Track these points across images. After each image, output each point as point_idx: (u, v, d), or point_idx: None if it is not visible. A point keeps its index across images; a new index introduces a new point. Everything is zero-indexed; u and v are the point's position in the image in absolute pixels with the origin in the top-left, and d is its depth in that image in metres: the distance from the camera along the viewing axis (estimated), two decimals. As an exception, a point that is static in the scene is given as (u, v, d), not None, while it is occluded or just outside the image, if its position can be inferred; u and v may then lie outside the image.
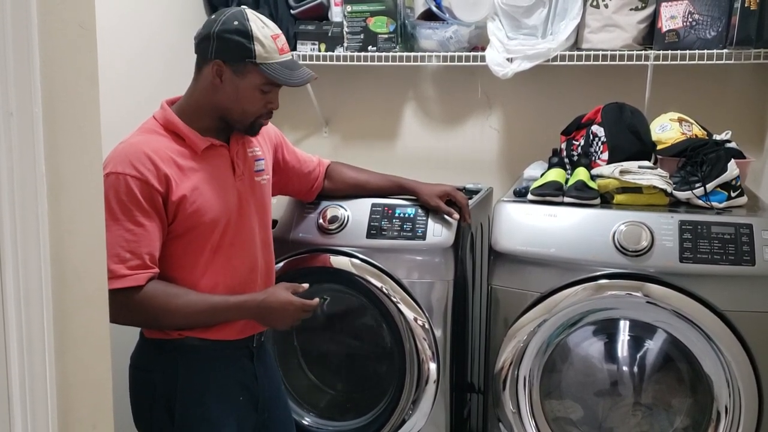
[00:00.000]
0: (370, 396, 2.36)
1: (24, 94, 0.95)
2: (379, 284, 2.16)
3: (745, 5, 2.25)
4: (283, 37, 1.74)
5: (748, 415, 1.93)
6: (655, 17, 2.47)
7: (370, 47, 2.71)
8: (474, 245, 2.46)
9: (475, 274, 2.50)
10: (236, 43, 1.66)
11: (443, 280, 2.18)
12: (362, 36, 2.71)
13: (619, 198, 2.10)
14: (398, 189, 2.22)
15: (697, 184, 2.06)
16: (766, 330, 1.91)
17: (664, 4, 2.43)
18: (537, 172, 2.37)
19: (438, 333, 2.19)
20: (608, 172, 2.10)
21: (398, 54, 2.70)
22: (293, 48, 2.79)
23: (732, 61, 2.37)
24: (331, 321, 2.51)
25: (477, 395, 2.60)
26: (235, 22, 1.67)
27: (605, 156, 2.21)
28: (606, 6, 2.49)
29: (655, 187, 2.07)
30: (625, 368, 2.20)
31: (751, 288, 1.91)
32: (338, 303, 2.45)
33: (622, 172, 2.08)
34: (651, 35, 2.50)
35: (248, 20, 1.67)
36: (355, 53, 2.73)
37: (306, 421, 2.36)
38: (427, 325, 2.17)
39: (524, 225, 2.09)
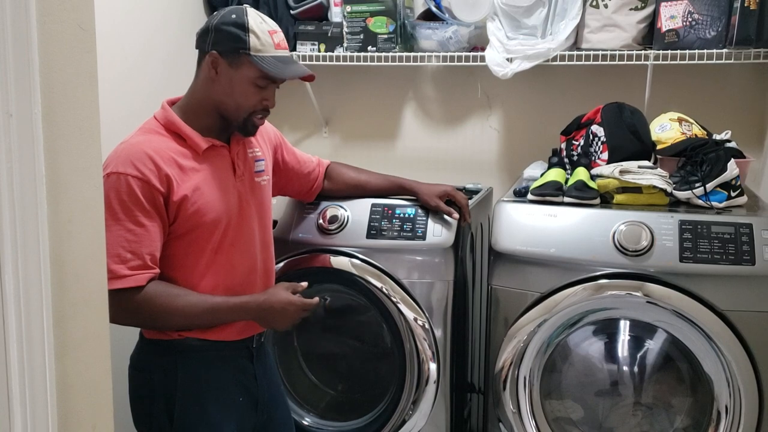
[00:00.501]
0: (370, 396, 2.36)
1: (23, 95, 0.95)
2: (379, 284, 2.17)
3: (745, 5, 2.25)
4: (281, 34, 1.74)
5: (748, 415, 1.93)
6: (654, 17, 2.47)
7: (369, 47, 2.71)
8: (474, 245, 2.46)
9: (475, 274, 2.50)
10: (232, 35, 1.67)
11: (443, 280, 2.18)
12: (362, 36, 2.71)
13: (619, 198, 2.10)
14: (398, 189, 2.22)
15: (697, 184, 2.06)
16: (766, 330, 1.91)
17: (663, 3, 2.43)
18: (537, 172, 2.38)
19: (438, 333, 2.19)
20: (608, 171, 2.10)
21: (398, 54, 2.70)
22: (293, 48, 2.79)
23: (732, 61, 2.37)
24: (331, 321, 2.51)
25: (477, 395, 2.60)
26: (233, 16, 1.69)
27: (605, 156, 2.21)
28: (605, 6, 2.49)
29: (655, 187, 2.07)
30: (625, 368, 2.19)
31: (751, 287, 1.91)
32: (338, 303, 2.45)
33: (621, 172, 2.08)
34: (651, 35, 2.50)
35: (247, 15, 1.69)
36: (355, 53, 2.73)
37: (306, 421, 2.36)
38: (427, 326, 2.17)
39: (524, 225, 2.09)
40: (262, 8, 2.71)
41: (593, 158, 2.26)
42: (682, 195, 2.08)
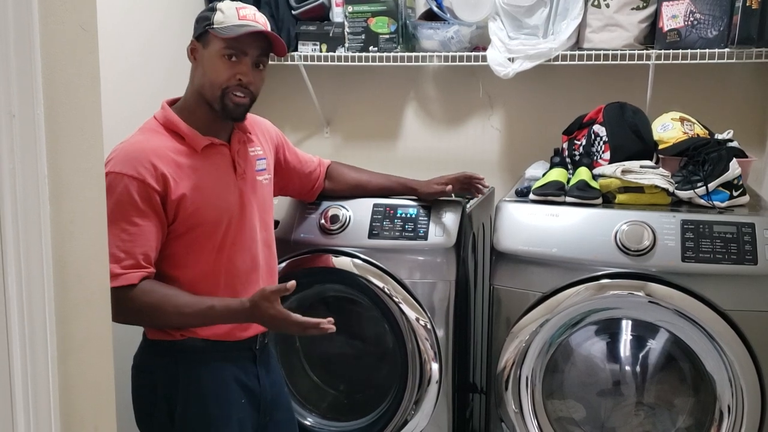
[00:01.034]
0: (372, 396, 2.36)
1: (26, 96, 0.95)
2: (380, 284, 2.16)
3: (747, 4, 2.24)
4: (250, 9, 1.74)
5: (750, 415, 1.93)
6: (656, 16, 2.47)
7: (371, 47, 2.71)
8: (476, 245, 2.46)
9: (477, 274, 2.50)
10: (202, 18, 1.73)
11: (445, 281, 2.18)
12: (363, 36, 2.71)
13: (621, 197, 2.10)
14: (399, 188, 2.22)
15: (699, 184, 2.06)
16: (768, 329, 1.91)
17: (665, 3, 2.42)
18: (539, 172, 2.37)
19: (440, 333, 2.19)
20: (610, 171, 2.10)
21: (399, 54, 2.70)
22: (294, 49, 2.79)
23: (734, 61, 2.37)
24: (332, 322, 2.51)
25: (479, 395, 2.60)
26: (210, 5, 1.74)
27: (607, 155, 2.21)
28: (607, 5, 2.48)
29: (657, 187, 2.06)
30: (627, 368, 2.19)
31: (753, 287, 1.91)
32: (340, 303, 2.44)
33: (623, 172, 2.07)
34: (652, 35, 2.49)
35: (223, 1, 1.73)
36: (357, 53, 2.72)
37: (308, 421, 2.36)
38: (429, 326, 2.17)
39: (526, 225, 2.09)
40: (264, 8, 2.71)
41: (595, 158, 2.26)
42: (684, 195, 2.08)
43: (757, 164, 2.47)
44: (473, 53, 2.66)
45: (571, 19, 2.50)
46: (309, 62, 2.79)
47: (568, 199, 2.10)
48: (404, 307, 2.16)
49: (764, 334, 1.91)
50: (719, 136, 2.23)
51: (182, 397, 1.72)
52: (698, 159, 2.11)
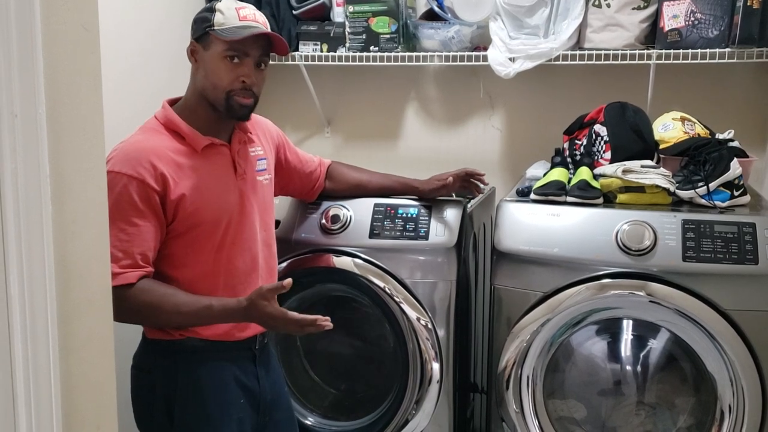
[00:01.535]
0: (373, 396, 2.36)
1: (28, 96, 0.95)
2: (381, 284, 2.17)
3: (748, 4, 2.24)
4: (250, 9, 1.73)
5: (751, 414, 1.93)
6: (657, 16, 2.47)
7: (372, 47, 2.71)
8: (477, 245, 2.46)
9: (478, 273, 2.50)
10: (201, 19, 1.72)
11: (446, 280, 2.18)
12: (364, 36, 2.71)
13: (621, 197, 2.10)
14: (400, 188, 2.22)
15: (700, 183, 2.06)
16: (769, 329, 1.91)
17: (666, 3, 2.42)
18: (540, 172, 2.38)
19: (441, 333, 2.19)
20: (611, 171, 2.10)
21: (400, 54, 2.70)
22: (295, 48, 2.79)
23: (734, 60, 2.37)
24: (333, 321, 2.51)
25: (480, 395, 2.60)
26: (207, 5, 1.73)
27: (608, 155, 2.21)
28: (608, 5, 2.48)
29: (657, 187, 2.06)
30: (628, 367, 2.19)
31: (754, 287, 1.91)
32: (341, 303, 2.44)
33: (624, 172, 2.07)
34: (653, 34, 2.49)
35: (222, 1, 1.72)
36: (357, 53, 2.73)
37: (309, 421, 2.36)
38: (430, 325, 2.17)
39: (527, 224, 2.09)
40: (264, 8, 2.71)
41: (596, 158, 2.26)
42: (685, 194, 2.08)
43: (758, 164, 2.47)
44: (474, 53, 2.67)
45: (572, 18, 2.51)
46: (310, 62, 2.79)
47: (569, 198, 2.10)
48: (405, 306, 2.16)
49: (765, 333, 1.91)
50: (720, 136, 2.23)
51: (181, 397, 1.72)
52: (699, 159, 2.11)
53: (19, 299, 0.96)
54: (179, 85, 1.81)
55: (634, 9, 2.47)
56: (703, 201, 2.06)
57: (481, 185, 2.21)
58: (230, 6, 1.71)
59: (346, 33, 2.74)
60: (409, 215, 2.19)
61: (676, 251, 1.94)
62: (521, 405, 2.11)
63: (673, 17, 2.42)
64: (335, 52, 2.77)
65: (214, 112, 1.73)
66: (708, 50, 2.37)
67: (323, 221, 2.22)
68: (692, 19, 2.39)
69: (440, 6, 2.68)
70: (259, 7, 2.68)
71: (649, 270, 1.96)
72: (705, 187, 2.05)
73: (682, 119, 2.29)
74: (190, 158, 1.71)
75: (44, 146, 0.98)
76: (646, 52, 2.48)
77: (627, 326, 2.16)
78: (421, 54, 2.70)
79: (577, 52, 2.53)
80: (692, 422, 2.11)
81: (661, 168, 2.13)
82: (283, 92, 3.05)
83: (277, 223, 2.20)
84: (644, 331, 2.14)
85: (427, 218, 2.18)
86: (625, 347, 2.20)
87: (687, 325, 1.95)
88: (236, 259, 1.77)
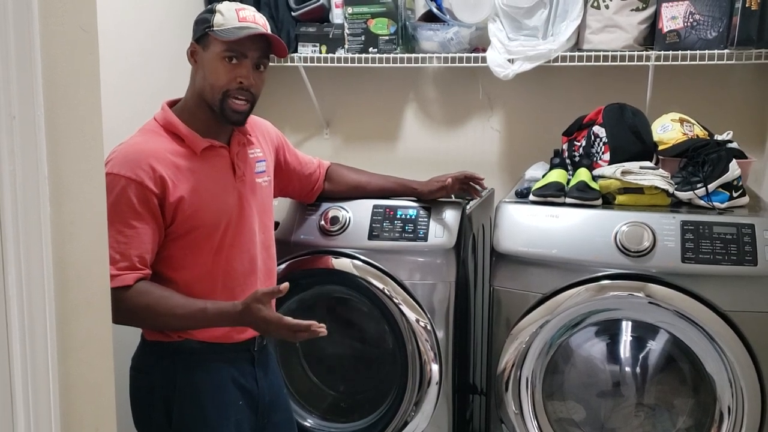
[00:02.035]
0: (372, 397, 2.36)
1: (26, 97, 0.95)
2: (380, 286, 2.16)
3: (746, 5, 2.25)
4: (250, 11, 1.74)
5: (750, 416, 1.93)
6: (655, 18, 2.47)
7: (371, 49, 2.71)
8: (476, 246, 2.46)
9: (477, 275, 2.50)
10: (201, 20, 1.72)
11: (445, 282, 2.18)
12: (363, 38, 2.71)
13: (620, 198, 2.10)
14: (399, 189, 2.22)
15: (699, 185, 2.06)
16: (768, 330, 1.91)
17: (664, 4, 2.42)
18: (538, 173, 2.38)
19: (440, 334, 2.19)
20: (610, 172, 2.10)
21: (399, 55, 2.70)
22: (294, 50, 2.79)
23: (733, 62, 2.37)
24: (332, 323, 2.51)
25: (479, 397, 2.60)
26: (208, 6, 1.74)
27: (607, 157, 2.21)
28: (607, 7, 2.49)
29: (656, 188, 2.07)
30: (627, 369, 2.19)
31: (753, 288, 1.91)
32: (340, 305, 2.44)
33: (623, 173, 2.07)
34: (652, 36, 2.50)
35: (221, 2, 1.73)
36: (356, 55, 2.73)
37: (308, 422, 2.36)
38: (429, 327, 2.17)
39: (526, 226, 2.09)
40: (263, 10, 2.71)
41: (595, 159, 2.26)
42: (683, 196, 2.08)
43: (756, 165, 2.47)
44: (473, 54, 2.67)
45: (571, 20, 2.51)
46: (309, 63, 2.79)
47: (568, 200, 2.10)
48: (404, 308, 2.16)
49: (764, 334, 1.91)
50: (719, 137, 2.23)
51: (179, 399, 1.72)
52: (698, 160, 2.11)
53: (17, 300, 0.96)
54: (179, 86, 1.81)
55: (632, 10, 2.47)
56: (701, 202, 2.06)
57: (480, 189, 2.21)
58: (230, 8, 1.71)
59: (345, 34, 2.74)
60: (408, 217, 2.19)
61: (675, 252, 1.94)
62: (520, 406, 2.11)
63: (672, 18, 2.42)
64: (334, 53, 2.77)
65: (213, 114, 1.73)
66: (707, 51, 2.38)
67: (322, 223, 2.22)
68: (691, 20, 2.40)
69: (439, 7, 2.68)
70: (258, 8, 2.68)
71: (648, 271, 1.96)
72: (704, 188, 2.05)
73: (681, 120, 2.30)
74: (189, 160, 1.71)
75: (42, 148, 0.98)
76: (644, 53, 2.48)
77: (626, 327, 2.16)
78: (420, 55, 2.71)
79: (576, 54, 2.54)
80: (691, 423, 2.10)
81: (660, 169, 2.13)
82: (282, 94, 3.05)
83: (276, 224, 2.20)
84: (643, 332, 2.14)
85: (426, 220, 2.18)
86: (625, 349, 2.20)
87: (686, 326, 1.95)
88: (235, 262, 1.76)
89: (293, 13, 2.79)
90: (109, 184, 1.57)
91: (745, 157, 2.22)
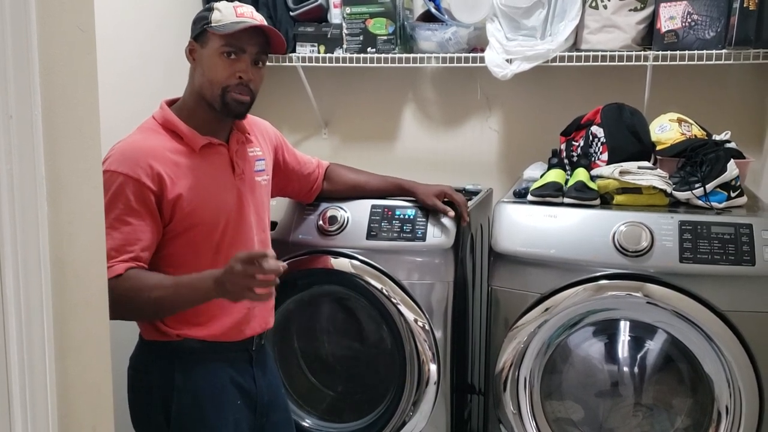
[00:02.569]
0: (370, 397, 2.36)
1: (23, 97, 0.95)
2: (379, 285, 2.16)
3: (744, 5, 2.25)
4: (247, 8, 1.75)
5: (748, 416, 1.93)
6: (653, 18, 2.47)
7: (369, 49, 2.71)
8: (474, 246, 2.46)
9: (475, 275, 2.50)
10: (200, 18, 1.74)
11: (443, 282, 2.18)
12: (361, 38, 2.71)
13: (618, 198, 2.10)
14: (397, 190, 2.22)
15: (697, 185, 2.06)
16: (766, 330, 1.91)
17: (662, 4, 2.43)
18: (537, 173, 2.38)
19: (438, 334, 2.19)
20: (608, 172, 2.10)
21: (397, 55, 2.70)
22: (292, 50, 2.79)
23: (731, 62, 2.37)
24: (331, 322, 2.51)
25: (477, 396, 2.60)
26: (207, 5, 1.75)
27: (605, 156, 2.21)
28: (605, 7, 2.49)
29: (654, 188, 2.07)
30: (625, 369, 2.19)
31: (751, 288, 1.91)
32: (338, 304, 2.44)
33: (621, 173, 2.08)
34: (650, 36, 2.50)
35: (220, 1, 1.74)
36: (355, 55, 2.73)
37: (306, 422, 2.36)
38: (427, 327, 2.17)
39: (524, 226, 2.09)
40: (262, 10, 2.71)
41: (593, 159, 2.26)
42: (681, 195, 2.08)
43: (754, 165, 2.47)
44: (471, 54, 2.67)
45: (569, 20, 2.51)
46: (307, 63, 2.79)
47: (566, 200, 2.10)
48: (402, 308, 2.16)
49: (762, 334, 1.91)
50: (717, 137, 2.24)
51: (177, 398, 1.71)
52: (696, 160, 2.11)
53: (14, 300, 0.96)
54: (177, 86, 1.81)
55: (630, 10, 2.48)
56: (700, 202, 2.06)
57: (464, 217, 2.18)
58: (228, 5, 1.73)
59: (344, 34, 2.74)
60: (407, 217, 2.19)
61: (673, 252, 1.95)
62: (518, 406, 2.11)
63: (670, 18, 2.42)
64: (332, 53, 2.77)
65: (212, 112, 1.73)
66: (705, 51, 2.38)
67: (320, 223, 2.22)
68: (689, 20, 2.40)
69: (437, 7, 2.68)
70: (256, 8, 2.69)
71: (646, 271, 1.96)
72: (702, 188, 2.05)
73: (679, 120, 2.30)
74: (188, 158, 1.71)
75: (40, 147, 0.97)
76: (642, 53, 2.48)
77: (624, 327, 2.16)
78: (419, 55, 2.71)
79: (574, 54, 2.54)
80: (689, 423, 2.11)
81: (658, 169, 2.13)
82: (281, 94, 3.05)
83: (274, 224, 2.20)
84: (641, 332, 2.14)
85: (424, 219, 2.18)
86: (623, 348, 2.20)
87: (684, 326, 1.95)
88: (233, 260, 1.76)
89: (291, 13, 2.79)
90: (106, 181, 1.57)
91: (743, 157, 2.22)
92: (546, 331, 2.06)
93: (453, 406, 2.27)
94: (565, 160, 2.33)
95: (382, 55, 2.70)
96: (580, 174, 2.15)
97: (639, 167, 2.10)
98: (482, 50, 2.64)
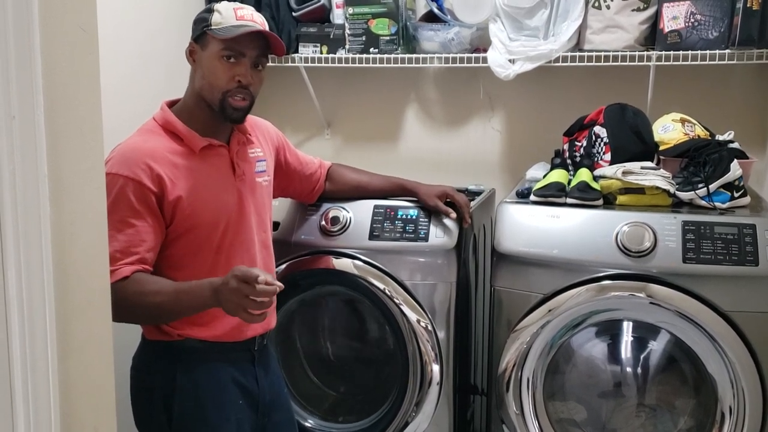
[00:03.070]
0: (373, 398, 2.36)
1: (26, 97, 0.95)
2: (381, 286, 2.16)
3: (747, 5, 2.24)
4: (248, 10, 1.74)
5: (752, 416, 1.92)
6: (656, 18, 2.47)
7: (371, 49, 2.71)
8: (477, 247, 2.46)
9: (477, 275, 2.50)
10: (200, 20, 1.73)
11: (446, 282, 2.18)
12: (364, 38, 2.71)
13: (621, 199, 2.10)
14: (399, 190, 2.22)
15: (700, 185, 2.05)
16: (769, 330, 1.91)
17: (665, 4, 2.42)
18: (539, 173, 2.37)
19: (441, 335, 2.19)
20: (611, 173, 2.10)
21: (400, 56, 2.70)
22: (295, 50, 2.79)
23: (734, 62, 2.37)
24: (333, 323, 2.51)
25: (480, 397, 2.59)
26: (207, 6, 1.75)
27: (608, 157, 2.20)
28: (608, 7, 2.48)
29: (657, 188, 2.06)
30: (628, 369, 2.19)
31: (754, 288, 1.90)
32: (341, 305, 2.44)
33: (624, 173, 2.07)
34: (653, 36, 2.49)
35: (221, 2, 1.73)
36: (357, 55, 2.72)
37: (309, 423, 2.36)
38: (430, 327, 2.17)
39: (527, 226, 2.09)
40: (264, 10, 2.71)
41: (596, 159, 2.26)
42: (685, 196, 2.08)
43: (758, 165, 2.47)
44: (474, 55, 2.67)
45: (572, 20, 2.50)
46: (309, 64, 2.79)
47: (569, 200, 2.10)
48: (405, 308, 2.16)
49: (765, 335, 1.90)
50: (720, 138, 2.23)
51: (180, 398, 1.72)
52: (699, 160, 2.10)
53: (17, 301, 0.96)
54: (178, 86, 1.81)
55: (633, 10, 2.47)
56: (703, 202, 2.05)
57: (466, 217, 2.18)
58: (228, 7, 1.72)
59: (346, 35, 2.74)
60: (409, 217, 2.19)
61: (677, 253, 1.94)
62: (521, 407, 2.11)
63: (673, 18, 2.42)
64: (335, 53, 2.77)
65: (212, 113, 1.73)
66: (708, 51, 2.37)
67: (323, 223, 2.22)
68: (692, 20, 2.39)
69: (440, 8, 2.68)
70: (258, 9, 2.69)
71: (649, 271, 1.96)
72: (705, 188, 2.05)
73: (682, 121, 2.29)
74: (188, 159, 1.71)
75: (42, 148, 0.98)
76: (645, 53, 2.48)
77: (627, 328, 2.16)
78: (421, 56, 2.70)
79: (577, 54, 2.53)
80: (693, 424, 2.10)
81: (661, 169, 2.12)
82: (283, 94, 3.05)
83: (277, 225, 2.20)
84: (644, 332, 2.14)
85: (426, 220, 2.17)
86: (626, 349, 2.20)
87: (687, 326, 1.95)
88: (235, 261, 1.76)
89: (294, 14, 2.79)
90: (108, 184, 1.56)
91: (747, 158, 2.22)
92: (549, 332, 2.05)
93: (456, 406, 2.27)
94: (568, 161, 2.32)
95: (385, 56, 2.70)
96: (583, 174, 2.15)
97: (642, 167, 2.09)
98: (485, 50, 2.64)
